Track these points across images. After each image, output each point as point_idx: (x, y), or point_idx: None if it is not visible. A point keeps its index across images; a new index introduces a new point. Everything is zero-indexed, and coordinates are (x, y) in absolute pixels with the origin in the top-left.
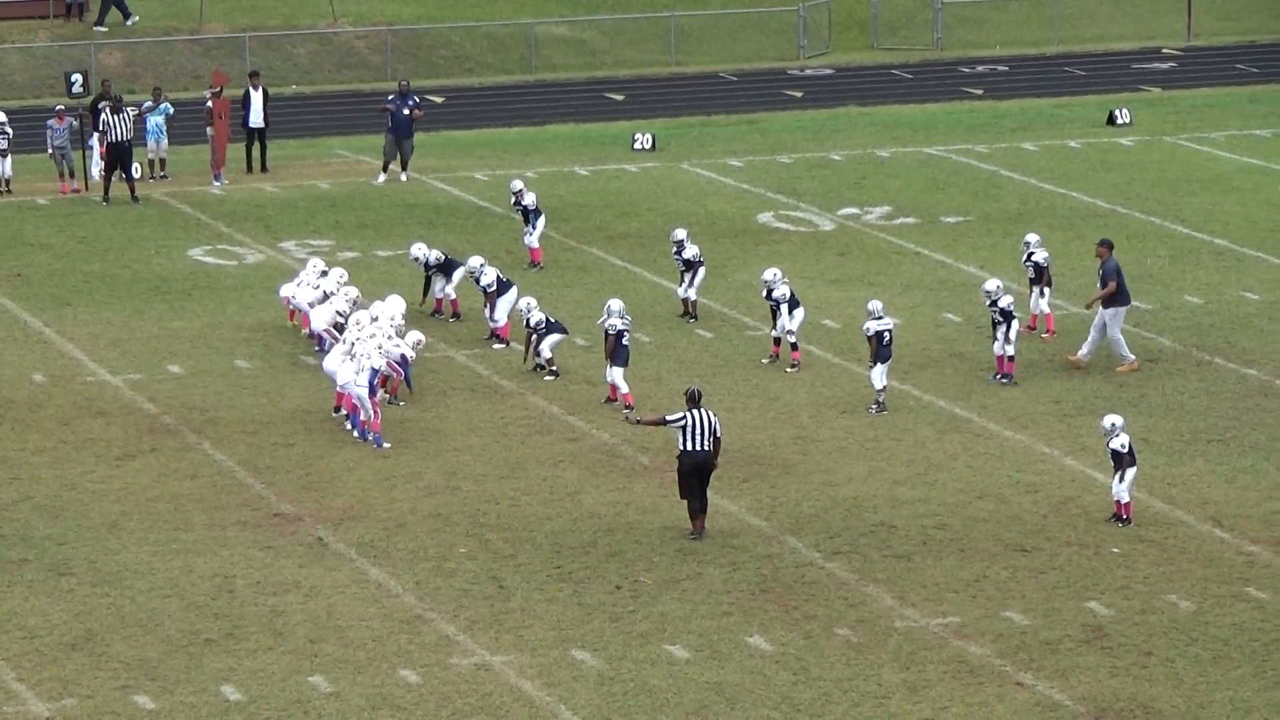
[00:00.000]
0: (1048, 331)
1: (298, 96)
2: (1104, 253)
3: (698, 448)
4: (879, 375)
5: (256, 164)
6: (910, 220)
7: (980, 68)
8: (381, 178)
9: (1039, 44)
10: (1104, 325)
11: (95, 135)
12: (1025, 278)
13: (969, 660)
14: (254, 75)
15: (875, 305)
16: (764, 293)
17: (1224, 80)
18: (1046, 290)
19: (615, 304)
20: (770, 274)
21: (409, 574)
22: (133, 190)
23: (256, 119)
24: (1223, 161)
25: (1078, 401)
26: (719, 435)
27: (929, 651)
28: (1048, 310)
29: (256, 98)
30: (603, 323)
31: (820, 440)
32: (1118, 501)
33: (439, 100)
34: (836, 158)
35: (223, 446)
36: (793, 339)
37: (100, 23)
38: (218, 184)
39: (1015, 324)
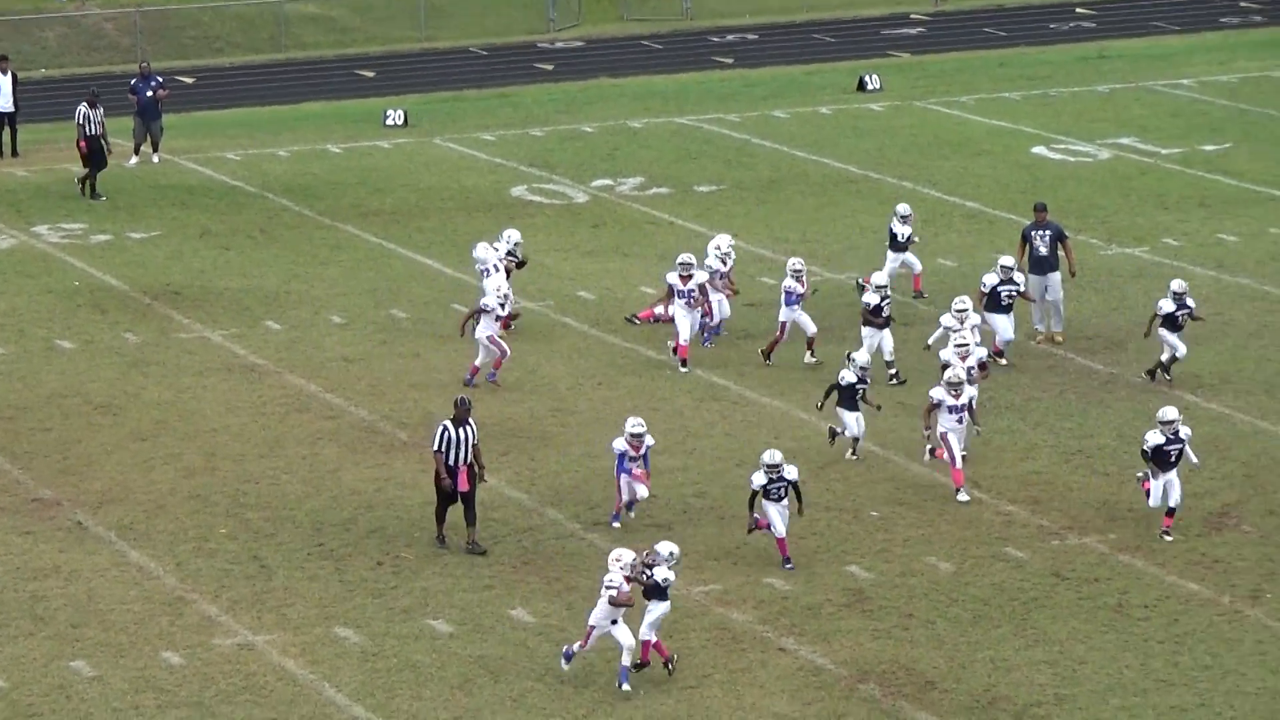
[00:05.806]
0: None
1: (47, 80)
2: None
3: (454, 464)
4: None
5: (7, 149)
6: (663, 190)
7: (730, 37)
8: (133, 160)
9: (788, 11)
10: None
11: None
12: (1152, 316)
13: (731, 627)
14: (2, 59)
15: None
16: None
17: (972, 44)
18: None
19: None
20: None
21: (170, 555)
22: None
23: (6, 103)
24: (973, 125)
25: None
26: (476, 444)
27: (691, 619)
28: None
29: (5, 82)
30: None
31: (578, 411)
32: (645, 643)
33: (189, 81)
34: (589, 130)
35: None
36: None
37: None
38: None
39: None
